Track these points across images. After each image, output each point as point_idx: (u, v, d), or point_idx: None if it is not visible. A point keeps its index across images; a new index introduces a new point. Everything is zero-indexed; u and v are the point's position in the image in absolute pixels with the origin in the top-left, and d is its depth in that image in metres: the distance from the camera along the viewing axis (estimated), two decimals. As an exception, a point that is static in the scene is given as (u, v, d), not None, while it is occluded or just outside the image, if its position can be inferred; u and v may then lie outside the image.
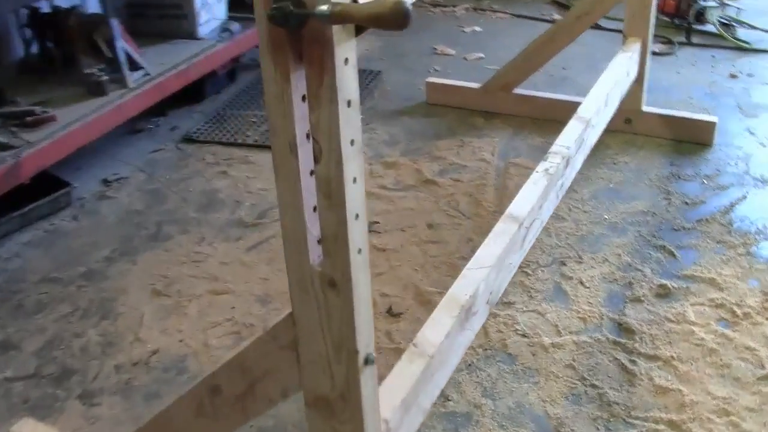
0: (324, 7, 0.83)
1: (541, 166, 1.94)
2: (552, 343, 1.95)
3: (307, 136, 0.96)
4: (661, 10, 3.57)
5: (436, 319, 1.44)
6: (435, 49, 3.65)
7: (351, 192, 0.95)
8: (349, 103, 0.92)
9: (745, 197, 2.45)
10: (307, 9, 0.84)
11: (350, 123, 0.92)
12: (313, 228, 1.00)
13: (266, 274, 2.20)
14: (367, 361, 1.07)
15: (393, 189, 2.56)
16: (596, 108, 2.20)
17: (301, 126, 0.94)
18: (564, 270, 2.19)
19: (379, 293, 2.11)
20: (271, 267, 2.22)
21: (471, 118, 2.97)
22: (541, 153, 2.62)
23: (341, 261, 0.99)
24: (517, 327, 2.00)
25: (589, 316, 2.02)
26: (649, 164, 2.65)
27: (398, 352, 1.85)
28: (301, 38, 0.87)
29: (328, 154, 0.93)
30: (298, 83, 0.92)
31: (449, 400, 1.80)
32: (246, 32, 3.16)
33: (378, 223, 2.40)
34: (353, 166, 0.95)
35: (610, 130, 2.54)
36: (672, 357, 1.90)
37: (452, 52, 3.62)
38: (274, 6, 0.85)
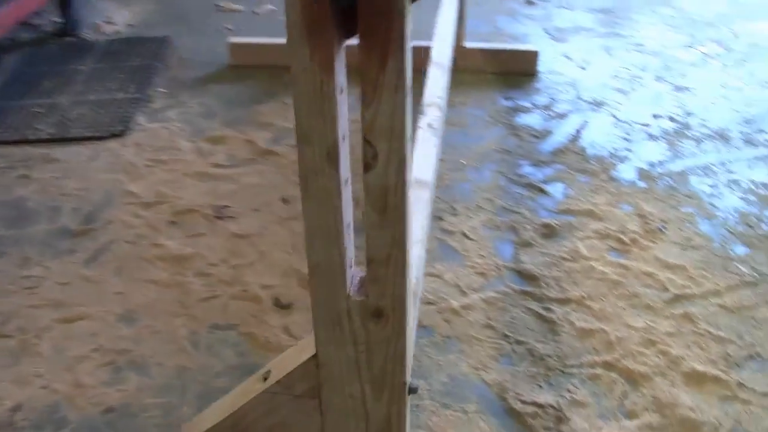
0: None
1: (423, 121, 1.78)
2: (461, 306, 1.82)
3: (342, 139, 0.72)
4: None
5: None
6: (219, 5, 3.34)
7: (409, 204, 0.74)
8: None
9: (586, 122, 2.44)
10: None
11: (410, 119, 0.71)
12: (349, 252, 0.78)
13: (119, 287, 1.89)
14: (411, 391, 0.87)
15: (229, 166, 2.30)
16: (447, 51, 2.07)
17: (342, 127, 0.71)
18: (443, 225, 2.07)
19: (259, 285, 1.88)
20: (122, 278, 1.91)
21: (285, 76, 2.73)
22: None
23: (395, 287, 0.78)
24: (420, 295, 1.85)
25: (487, 270, 1.92)
26: (485, 101, 2.58)
27: None
28: (354, 14, 0.64)
29: (386, 158, 0.72)
30: (340, 73, 0.68)
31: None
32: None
33: (228, 206, 2.13)
34: (410, 173, 0.73)
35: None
36: (582, 297, 1.84)
37: (239, 7, 3.33)
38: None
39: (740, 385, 1.63)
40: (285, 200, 2.16)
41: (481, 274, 1.91)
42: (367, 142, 0.73)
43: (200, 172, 2.26)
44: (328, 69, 0.70)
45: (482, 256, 1.96)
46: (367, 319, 0.83)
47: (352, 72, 0.83)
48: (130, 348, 1.73)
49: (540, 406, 1.60)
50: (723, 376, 1.65)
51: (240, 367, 1.69)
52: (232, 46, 2.81)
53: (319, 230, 0.76)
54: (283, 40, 2.73)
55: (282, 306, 1.83)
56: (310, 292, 0.81)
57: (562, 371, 1.67)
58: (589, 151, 2.33)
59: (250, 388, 0.95)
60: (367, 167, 0.73)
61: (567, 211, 2.10)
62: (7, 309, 1.83)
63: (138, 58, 2.85)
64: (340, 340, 0.84)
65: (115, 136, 2.43)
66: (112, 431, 1.56)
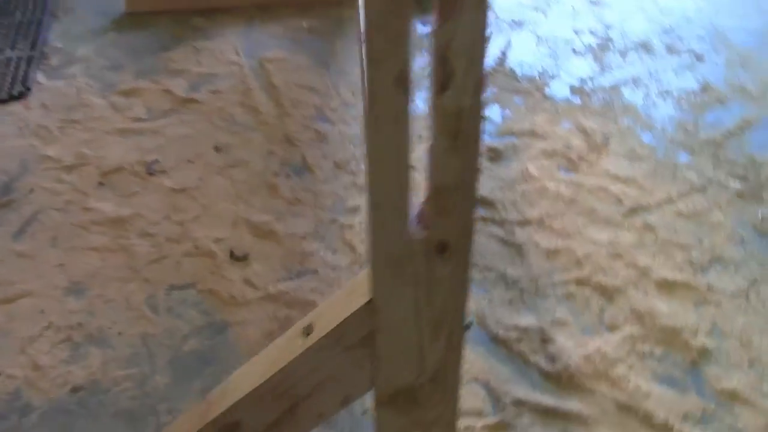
0: None
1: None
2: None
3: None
4: None
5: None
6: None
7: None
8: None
9: (510, 43, 2.41)
10: None
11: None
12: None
13: (57, 258, 1.75)
14: (467, 326, 0.82)
15: (150, 119, 2.16)
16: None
17: (411, 50, 0.64)
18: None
19: (209, 239, 1.79)
20: (58, 248, 1.77)
21: (191, 20, 2.58)
22: (289, 42, 2.37)
23: (462, 217, 0.72)
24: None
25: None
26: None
27: (275, 300, 1.59)
28: None
29: (463, 78, 0.65)
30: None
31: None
32: None
33: (158, 161, 2.00)
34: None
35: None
36: (542, 217, 1.84)
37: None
38: None
39: (709, 288, 1.66)
40: (218, 149, 2.05)
41: (437, 204, 1.86)
42: (442, 60, 0.65)
43: (120, 129, 2.11)
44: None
45: (434, 186, 1.91)
46: (430, 255, 0.76)
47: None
48: (85, 321, 1.62)
49: (522, 329, 1.58)
50: (692, 281, 1.67)
51: (207, 326, 1.60)
52: (128, -8, 2.62)
53: (384, 161, 0.69)
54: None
55: (238, 258, 1.75)
56: (370, 232, 0.74)
57: (537, 293, 1.66)
58: (519, 71, 2.30)
59: (289, 347, 0.87)
60: (442, 88, 0.66)
61: (509, 133, 2.08)
62: (-63, 296, 1.66)
63: (19, 12, 2.63)
64: (400, 281, 0.78)
65: (15, 98, 2.24)
66: (85, 410, 1.46)
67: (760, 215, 1.83)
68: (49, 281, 1.70)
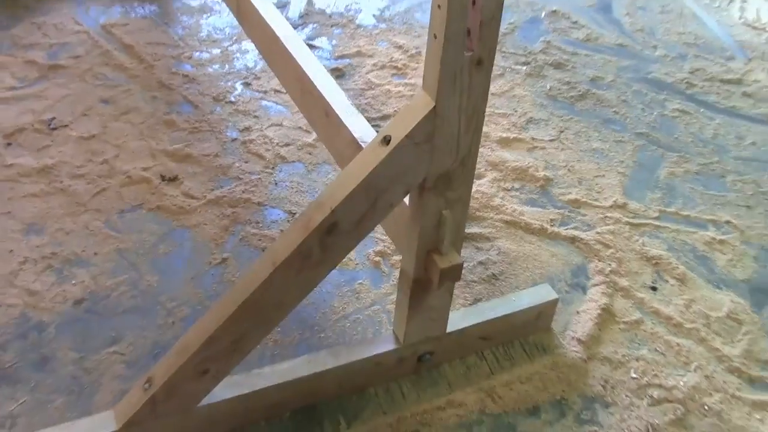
0: None
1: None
2: (314, 140, 2.22)
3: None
4: None
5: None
6: None
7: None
8: None
9: (314, -13, 2.87)
10: None
11: None
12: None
13: (2, 208, 1.96)
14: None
15: (27, 86, 2.37)
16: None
17: None
18: (256, 87, 2.40)
19: (138, 169, 2.09)
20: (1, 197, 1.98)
21: (18, 1, 2.74)
22: (122, 9, 2.66)
23: (492, 39, 1.21)
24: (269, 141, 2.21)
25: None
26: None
27: (217, 203, 1.94)
28: None
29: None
30: None
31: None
32: None
33: (55, 118, 2.25)
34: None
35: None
36: (396, 112, 2.33)
37: None
38: None
39: (533, 139, 2.27)
40: (105, 101, 2.31)
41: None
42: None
43: (1, 98, 2.29)
44: None
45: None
46: (472, 68, 1.23)
47: None
48: (57, 250, 1.87)
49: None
50: (520, 136, 2.27)
51: (171, 232, 1.92)
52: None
53: (453, 6, 1.14)
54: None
55: (170, 179, 2.07)
56: (434, 59, 1.19)
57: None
58: (328, 10, 2.77)
59: (373, 155, 1.30)
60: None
61: (342, 56, 2.55)
62: None
63: None
64: (453, 90, 1.24)
65: None
66: (96, 315, 1.73)
67: (548, 86, 2.46)
68: (4, 228, 1.90)
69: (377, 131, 1.42)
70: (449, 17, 1.16)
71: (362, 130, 1.64)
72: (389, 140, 1.28)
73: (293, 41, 1.88)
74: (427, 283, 1.47)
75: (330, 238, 1.33)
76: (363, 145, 1.58)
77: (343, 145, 1.68)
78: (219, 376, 1.42)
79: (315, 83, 1.75)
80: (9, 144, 2.15)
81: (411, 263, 1.45)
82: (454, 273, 1.43)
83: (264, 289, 1.34)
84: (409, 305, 1.51)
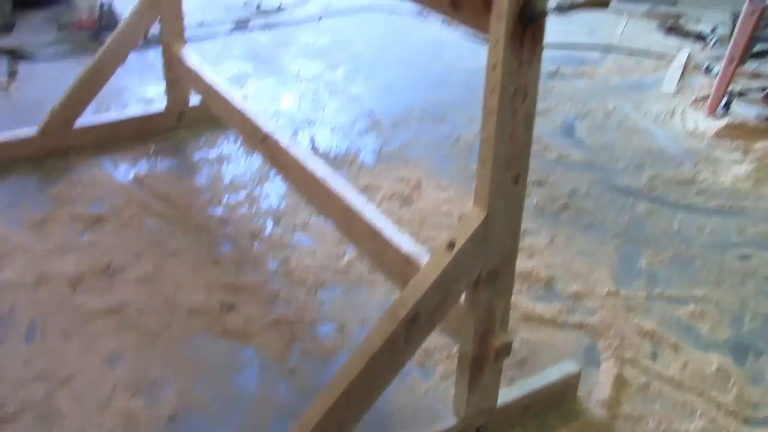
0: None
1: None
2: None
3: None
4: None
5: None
6: None
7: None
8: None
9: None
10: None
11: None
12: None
13: (80, 345, 2.24)
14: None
15: (75, 238, 2.66)
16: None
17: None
18: (279, 221, 2.76)
19: (198, 304, 2.39)
20: (74, 340, 2.26)
21: (46, 163, 3.05)
22: (147, 162, 3.01)
23: (524, 161, 1.61)
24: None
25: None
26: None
27: (276, 324, 2.26)
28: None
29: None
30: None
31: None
32: None
33: (110, 265, 2.55)
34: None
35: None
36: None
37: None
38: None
39: (531, 246, 2.65)
40: (153, 245, 2.63)
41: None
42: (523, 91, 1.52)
43: (54, 249, 2.59)
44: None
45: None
46: (511, 184, 1.62)
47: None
48: (141, 375, 2.15)
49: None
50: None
51: (239, 352, 2.22)
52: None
53: (496, 138, 1.54)
54: (31, 131, 3.05)
55: (228, 308, 2.38)
56: (481, 175, 1.57)
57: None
58: (331, 153, 3.17)
59: (442, 257, 1.64)
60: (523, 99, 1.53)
61: (353, 190, 2.92)
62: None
63: None
64: (500, 201, 1.62)
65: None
66: (190, 426, 2.01)
67: (534, 201, 2.88)
68: (90, 361, 2.16)
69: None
70: (496, 147, 1.55)
71: (408, 246, 2.00)
72: (453, 245, 1.65)
73: (333, 179, 2.26)
74: (483, 360, 1.80)
75: (413, 328, 1.67)
76: (410, 257, 1.94)
77: (392, 261, 2.03)
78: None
79: (361, 212, 2.11)
80: (75, 290, 2.44)
81: (469, 345, 1.78)
82: (507, 349, 1.78)
83: (362, 376, 1.66)
84: (469, 382, 1.83)
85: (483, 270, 1.69)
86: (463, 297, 1.75)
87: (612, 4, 5.16)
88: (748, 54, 3.63)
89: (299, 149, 2.41)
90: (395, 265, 2.02)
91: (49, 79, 3.77)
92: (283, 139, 2.45)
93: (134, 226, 2.72)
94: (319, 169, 2.30)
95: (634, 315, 2.36)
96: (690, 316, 2.38)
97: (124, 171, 3.04)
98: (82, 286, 2.44)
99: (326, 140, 3.33)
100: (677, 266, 2.60)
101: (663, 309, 2.40)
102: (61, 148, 3.11)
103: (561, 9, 1.39)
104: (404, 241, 2.02)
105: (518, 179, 1.63)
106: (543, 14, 1.46)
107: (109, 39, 3.12)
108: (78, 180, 2.97)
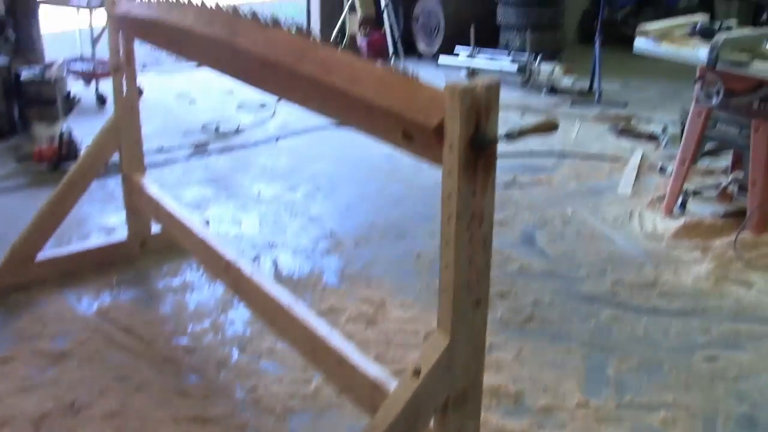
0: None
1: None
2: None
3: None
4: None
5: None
6: None
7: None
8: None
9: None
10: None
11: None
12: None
13: None
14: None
15: (38, 375, 2.62)
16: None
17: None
18: (244, 348, 2.75)
19: (163, 438, 2.35)
20: None
21: (10, 298, 3.04)
22: (111, 301, 3.00)
23: (485, 285, 1.64)
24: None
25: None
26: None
27: None
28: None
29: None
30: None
31: None
32: None
33: (75, 402, 2.51)
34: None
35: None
36: (376, 355, 2.70)
37: None
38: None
39: (497, 361, 2.65)
40: (118, 379, 2.59)
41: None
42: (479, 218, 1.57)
43: (18, 387, 2.54)
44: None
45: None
46: (474, 308, 1.64)
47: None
48: None
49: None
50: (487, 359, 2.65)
51: None
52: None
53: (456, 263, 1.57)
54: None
55: (195, 441, 2.33)
56: (443, 302, 1.59)
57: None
58: (294, 276, 3.19)
59: (409, 385, 1.65)
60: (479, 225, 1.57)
61: (319, 314, 2.93)
62: None
63: None
64: (463, 326, 1.64)
65: None
66: None
67: (498, 314, 2.89)
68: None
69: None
70: (456, 273, 1.57)
71: (374, 371, 2.00)
72: (419, 372, 1.65)
73: (297, 306, 2.26)
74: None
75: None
76: (377, 382, 1.93)
77: (359, 386, 2.03)
78: None
79: (326, 339, 2.12)
80: (38, 430, 2.38)
81: (441, 473, 1.76)
82: (479, 473, 1.76)
83: None
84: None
85: (450, 395, 1.69)
86: (432, 422, 1.74)
87: (564, 110, 5.33)
88: (699, 153, 3.74)
89: (262, 276, 2.42)
90: (363, 391, 2.01)
91: (8, 214, 3.77)
92: (246, 266, 2.46)
93: (99, 361, 2.68)
94: (283, 296, 2.30)
95: (606, 426, 2.35)
96: (662, 423, 2.37)
97: (87, 303, 3.01)
98: (46, 426, 2.39)
99: (289, 263, 3.34)
100: (645, 372, 2.61)
101: (634, 417, 2.40)
102: (23, 282, 3.08)
103: (511, 136, 1.43)
104: (371, 367, 2.01)
105: (479, 303, 1.65)
106: (494, 141, 1.51)
107: (71, 171, 3.15)
108: (41, 315, 2.94)
